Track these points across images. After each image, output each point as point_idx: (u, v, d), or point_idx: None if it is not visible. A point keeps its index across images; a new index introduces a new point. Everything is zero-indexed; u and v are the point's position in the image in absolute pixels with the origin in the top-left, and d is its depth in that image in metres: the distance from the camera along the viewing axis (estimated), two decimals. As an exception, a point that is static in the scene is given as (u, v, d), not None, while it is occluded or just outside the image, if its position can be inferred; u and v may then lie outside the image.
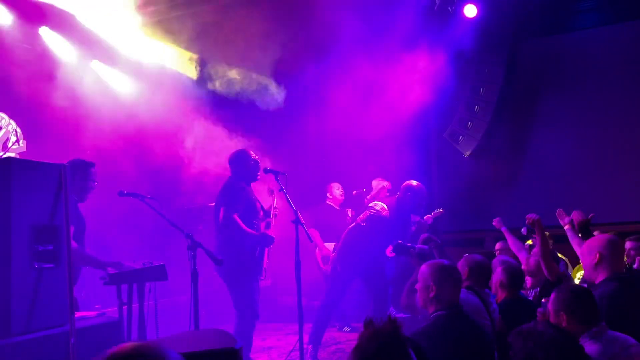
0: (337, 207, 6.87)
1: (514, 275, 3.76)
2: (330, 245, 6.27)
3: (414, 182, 5.67)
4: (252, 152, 4.89)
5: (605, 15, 7.83)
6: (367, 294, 5.92)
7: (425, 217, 6.42)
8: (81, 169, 4.17)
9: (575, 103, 7.92)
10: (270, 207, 4.93)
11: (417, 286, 2.88)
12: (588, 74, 7.83)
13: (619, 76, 7.67)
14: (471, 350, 2.62)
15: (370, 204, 5.58)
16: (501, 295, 3.73)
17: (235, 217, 4.55)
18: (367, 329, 1.81)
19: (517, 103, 8.20)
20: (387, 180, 7.02)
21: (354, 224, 5.58)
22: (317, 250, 6.52)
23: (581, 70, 7.88)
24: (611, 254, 3.19)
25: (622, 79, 7.66)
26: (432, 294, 2.74)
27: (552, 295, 2.71)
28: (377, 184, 6.75)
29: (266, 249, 4.79)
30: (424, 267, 2.87)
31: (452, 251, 8.14)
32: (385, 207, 5.45)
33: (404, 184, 5.72)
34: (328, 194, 6.91)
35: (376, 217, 5.39)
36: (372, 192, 6.75)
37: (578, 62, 7.89)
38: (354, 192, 7.06)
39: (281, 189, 4.60)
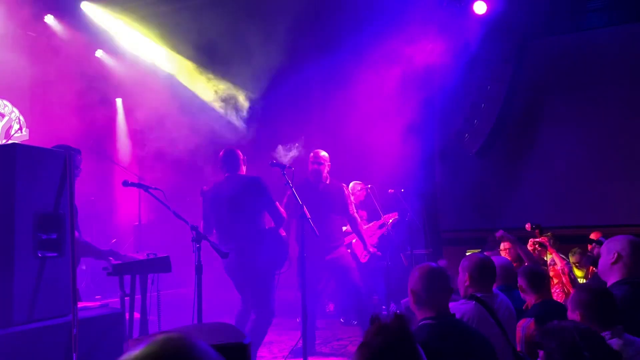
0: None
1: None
2: None
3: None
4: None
5: (615, 15, 7.77)
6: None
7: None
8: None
9: (583, 103, 7.86)
10: None
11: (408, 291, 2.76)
12: (596, 74, 7.77)
13: (627, 77, 7.60)
14: None
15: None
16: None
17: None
18: (374, 326, 1.76)
19: (523, 102, 8.14)
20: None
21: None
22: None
23: (589, 71, 7.81)
24: (630, 256, 3.13)
25: (631, 80, 7.59)
26: (416, 302, 2.61)
27: (572, 293, 2.67)
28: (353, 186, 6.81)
29: None
30: (412, 271, 2.71)
31: (454, 250, 8.14)
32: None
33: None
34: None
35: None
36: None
37: (586, 62, 7.82)
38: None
39: (287, 183, 4.54)
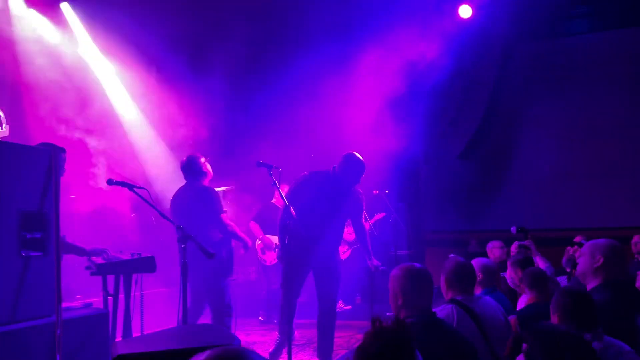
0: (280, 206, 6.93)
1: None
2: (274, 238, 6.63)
3: None
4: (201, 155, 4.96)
5: (597, 22, 7.91)
6: None
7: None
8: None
9: (564, 107, 7.99)
10: None
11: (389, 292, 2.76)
12: (577, 79, 7.91)
13: (607, 82, 7.75)
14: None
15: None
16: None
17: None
18: (373, 328, 1.77)
19: (506, 106, 8.23)
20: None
21: None
22: (257, 241, 6.80)
23: (571, 75, 7.95)
24: (613, 260, 3.18)
25: (611, 84, 7.74)
26: (400, 301, 2.62)
27: (553, 298, 2.70)
28: None
29: None
30: (393, 272, 2.70)
31: (436, 251, 8.20)
32: None
33: None
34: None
35: None
36: None
37: (568, 67, 7.96)
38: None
39: (274, 183, 4.51)
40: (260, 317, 7.02)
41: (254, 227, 6.85)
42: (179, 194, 4.91)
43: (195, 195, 4.79)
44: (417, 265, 2.72)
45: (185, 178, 4.91)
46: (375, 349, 1.72)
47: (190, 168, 4.88)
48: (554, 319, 2.63)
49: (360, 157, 4.93)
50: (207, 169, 4.93)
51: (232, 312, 4.76)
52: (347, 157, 4.90)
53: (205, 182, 4.91)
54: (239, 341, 2.19)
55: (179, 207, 4.81)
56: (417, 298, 2.60)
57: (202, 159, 4.96)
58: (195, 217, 4.65)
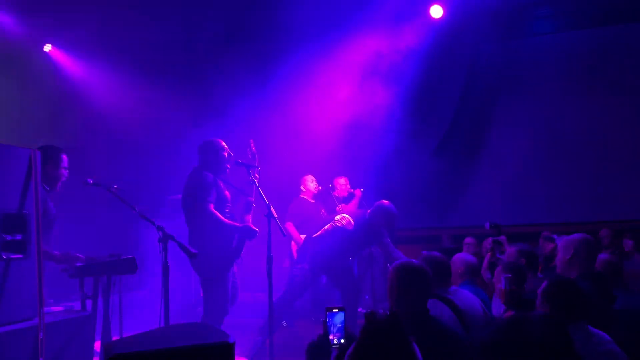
0: (311, 200, 6.79)
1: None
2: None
3: (386, 202, 5.40)
4: (224, 143, 4.74)
5: (562, 23, 8.15)
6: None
7: None
8: (52, 156, 3.96)
9: (532, 105, 8.20)
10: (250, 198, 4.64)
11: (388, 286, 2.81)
12: (543, 78, 8.13)
13: (573, 80, 8.00)
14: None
15: (337, 217, 5.49)
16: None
17: (211, 207, 4.39)
18: (370, 325, 1.80)
19: (477, 103, 8.39)
20: (344, 176, 7.06)
21: (322, 230, 5.49)
22: (292, 242, 6.47)
23: (537, 74, 8.17)
24: (585, 253, 3.32)
25: (577, 83, 7.99)
26: (395, 296, 2.68)
27: (542, 286, 2.78)
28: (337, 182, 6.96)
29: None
30: (392, 267, 2.78)
31: (409, 248, 8.28)
32: (352, 221, 5.35)
33: (377, 204, 5.37)
34: (302, 187, 6.81)
35: (339, 229, 5.33)
36: (336, 191, 6.87)
37: (534, 66, 8.18)
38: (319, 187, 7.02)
39: (253, 182, 4.49)
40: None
41: (290, 227, 6.50)
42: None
43: (186, 181, 4.54)
44: (415, 262, 2.79)
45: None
46: (370, 343, 1.75)
47: (200, 151, 4.62)
48: (546, 307, 2.70)
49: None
50: (218, 159, 4.56)
51: (228, 309, 4.56)
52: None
53: (216, 172, 4.53)
54: (233, 338, 2.19)
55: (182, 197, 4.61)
56: (410, 293, 2.65)
57: (224, 147, 4.62)
58: (185, 205, 4.49)
